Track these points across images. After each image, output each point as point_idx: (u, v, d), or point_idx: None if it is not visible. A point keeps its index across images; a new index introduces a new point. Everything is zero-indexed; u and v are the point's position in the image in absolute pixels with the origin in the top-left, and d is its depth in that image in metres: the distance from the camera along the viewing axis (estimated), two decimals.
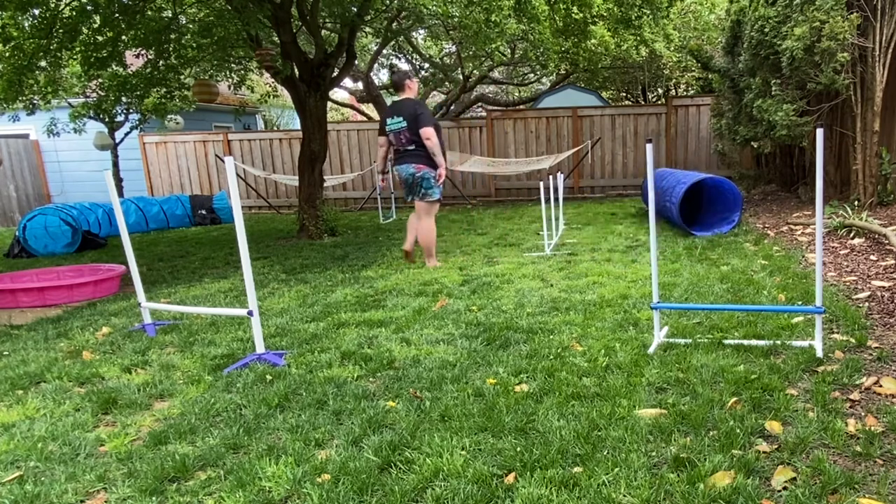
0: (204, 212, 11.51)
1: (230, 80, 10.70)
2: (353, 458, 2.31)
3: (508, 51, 16.84)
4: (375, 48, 15.84)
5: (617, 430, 2.39)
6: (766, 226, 7.15)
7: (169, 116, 13.21)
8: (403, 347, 3.58)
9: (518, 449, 2.29)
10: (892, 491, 1.97)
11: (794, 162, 9.35)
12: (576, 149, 12.21)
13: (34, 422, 2.82)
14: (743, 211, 7.63)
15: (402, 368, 3.22)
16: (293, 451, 2.39)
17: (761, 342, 3.26)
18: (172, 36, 8.47)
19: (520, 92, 21.31)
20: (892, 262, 4.71)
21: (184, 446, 2.49)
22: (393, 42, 14.66)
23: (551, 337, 3.58)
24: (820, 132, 2.91)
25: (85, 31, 7.85)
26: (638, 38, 11.73)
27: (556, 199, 7.73)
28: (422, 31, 16.00)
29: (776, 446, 2.25)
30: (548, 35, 10.04)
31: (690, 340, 3.34)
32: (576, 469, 2.15)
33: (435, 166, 5.80)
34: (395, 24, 11.25)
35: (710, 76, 12.33)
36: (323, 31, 10.56)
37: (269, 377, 3.18)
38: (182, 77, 9.92)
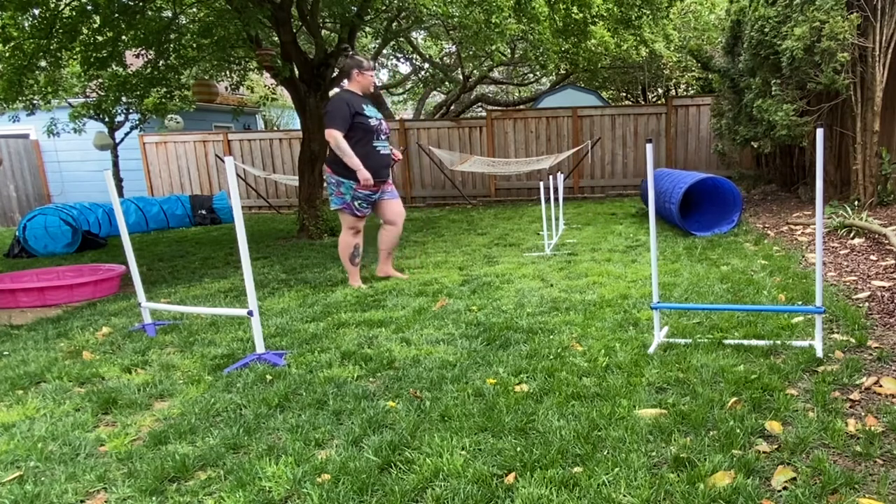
0: (204, 212, 11.51)
1: (230, 80, 10.72)
2: (353, 458, 2.31)
3: (508, 51, 16.85)
4: (375, 48, 15.85)
5: (617, 430, 2.39)
6: (766, 226, 7.15)
7: (169, 116, 13.23)
8: (403, 347, 3.58)
9: (518, 449, 2.29)
10: (892, 491, 1.97)
11: (794, 162, 9.35)
12: (576, 149, 12.21)
13: (34, 422, 2.82)
14: (743, 211, 7.63)
15: (402, 368, 3.22)
16: (293, 451, 2.39)
17: (761, 342, 3.26)
18: (172, 36, 8.48)
19: (520, 92, 21.33)
20: (892, 262, 4.71)
21: (184, 446, 2.49)
22: (393, 42, 14.67)
23: (551, 337, 3.58)
24: (820, 132, 2.91)
25: (85, 31, 7.86)
26: (638, 38, 11.75)
27: (556, 199, 7.73)
28: (422, 32, 16.01)
29: (776, 446, 2.25)
30: (548, 35, 10.05)
31: (690, 340, 3.34)
32: (576, 469, 2.15)
33: (342, 172, 4.89)
34: (394, 24, 11.26)
35: (710, 76, 12.34)
36: (323, 31, 10.57)
37: (269, 377, 3.18)
38: (182, 77, 9.92)
